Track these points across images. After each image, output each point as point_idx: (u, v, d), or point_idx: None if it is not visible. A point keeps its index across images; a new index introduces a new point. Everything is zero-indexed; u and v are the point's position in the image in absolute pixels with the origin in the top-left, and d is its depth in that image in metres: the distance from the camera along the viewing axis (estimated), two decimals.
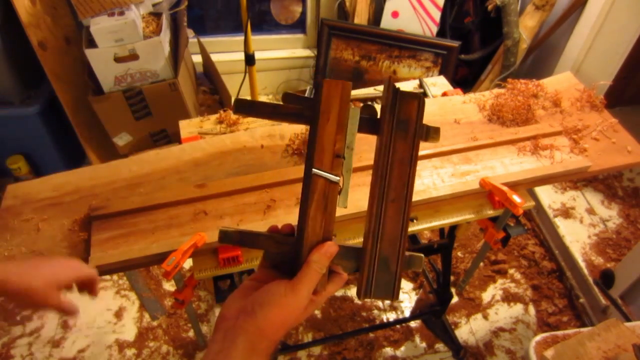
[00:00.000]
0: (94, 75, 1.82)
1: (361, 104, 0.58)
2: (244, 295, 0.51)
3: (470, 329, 1.80)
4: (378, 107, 0.57)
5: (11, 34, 1.81)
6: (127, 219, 0.97)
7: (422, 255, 0.56)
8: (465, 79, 2.58)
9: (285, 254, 0.54)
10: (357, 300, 1.86)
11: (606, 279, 1.71)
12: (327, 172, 0.53)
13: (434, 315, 1.64)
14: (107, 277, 1.93)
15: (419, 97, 0.55)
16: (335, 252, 0.53)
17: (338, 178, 0.53)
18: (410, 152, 0.55)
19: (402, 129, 0.55)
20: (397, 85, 0.58)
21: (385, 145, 0.54)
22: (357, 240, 1.00)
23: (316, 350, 1.72)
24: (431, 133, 0.56)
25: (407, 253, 0.55)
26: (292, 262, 0.53)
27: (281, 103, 0.55)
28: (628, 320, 1.53)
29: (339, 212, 0.54)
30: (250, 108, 0.55)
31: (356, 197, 0.98)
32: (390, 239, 0.54)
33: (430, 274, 1.72)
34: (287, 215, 0.98)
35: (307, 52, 2.67)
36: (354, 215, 0.98)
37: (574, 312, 1.84)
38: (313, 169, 0.52)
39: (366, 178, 1.05)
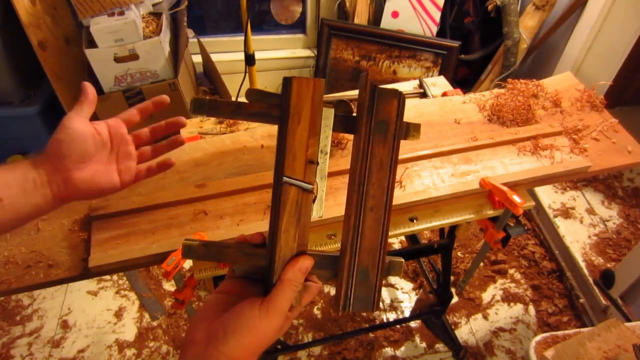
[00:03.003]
0: (94, 75, 1.83)
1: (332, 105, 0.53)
2: (213, 314, 0.47)
3: (470, 329, 1.80)
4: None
5: (11, 34, 1.82)
6: (127, 219, 0.96)
7: (402, 259, 0.51)
8: (465, 79, 2.58)
9: (255, 265, 0.50)
10: None
11: (606, 279, 1.71)
12: (300, 181, 0.48)
13: (434, 315, 1.64)
14: (107, 277, 1.93)
15: (399, 95, 0.50)
16: (311, 266, 0.48)
17: (312, 186, 0.48)
18: (390, 155, 0.49)
19: (381, 131, 0.49)
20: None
21: (362, 149, 0.49)
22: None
23: (316, 350, 1.72)
24: (411, 131, 0.52)
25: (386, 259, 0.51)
26: (263, 273, 0.49)
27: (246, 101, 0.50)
28: (628, 320, 1.53)
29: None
30: (210, 108, 0.49)
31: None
32: (369, 249, 0.49)
33: (430, 274, 1.72)
34: None
35: (307, 52, 2.67)
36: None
37: (574, 312, 1.84)
38: (284, 178, 0.48)
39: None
